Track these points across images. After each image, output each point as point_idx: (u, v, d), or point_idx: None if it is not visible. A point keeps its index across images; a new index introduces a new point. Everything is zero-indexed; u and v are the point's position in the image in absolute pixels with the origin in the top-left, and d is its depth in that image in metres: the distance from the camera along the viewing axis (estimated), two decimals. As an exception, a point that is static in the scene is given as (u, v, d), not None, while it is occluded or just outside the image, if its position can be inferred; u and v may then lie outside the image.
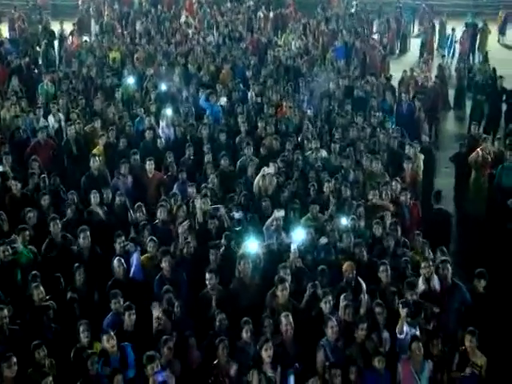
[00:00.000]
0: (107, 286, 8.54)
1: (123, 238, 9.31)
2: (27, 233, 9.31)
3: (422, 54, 24.29)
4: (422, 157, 12.53)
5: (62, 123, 13.86)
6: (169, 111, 13.96)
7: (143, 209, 10.25)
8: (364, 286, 8.19)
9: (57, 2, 32.72)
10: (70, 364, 7.36)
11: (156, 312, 7.76)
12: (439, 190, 11.69)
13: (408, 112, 15.34)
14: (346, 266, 8.68)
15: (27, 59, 18.87)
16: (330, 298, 8.00)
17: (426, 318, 8.11)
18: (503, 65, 20.25)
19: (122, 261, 8.80)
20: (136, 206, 10.33)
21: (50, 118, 14.02)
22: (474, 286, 8.71)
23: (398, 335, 7.60)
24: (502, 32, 27.75)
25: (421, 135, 14.08)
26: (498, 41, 27.57)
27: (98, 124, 13.49)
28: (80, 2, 27.93)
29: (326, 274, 8.68)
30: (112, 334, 7.33)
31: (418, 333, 7.68)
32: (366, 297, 8.11)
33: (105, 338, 7.28)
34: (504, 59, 23.08)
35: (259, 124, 13.72)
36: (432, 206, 11.43)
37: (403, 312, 7.54)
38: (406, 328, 7.60)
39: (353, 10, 28.08)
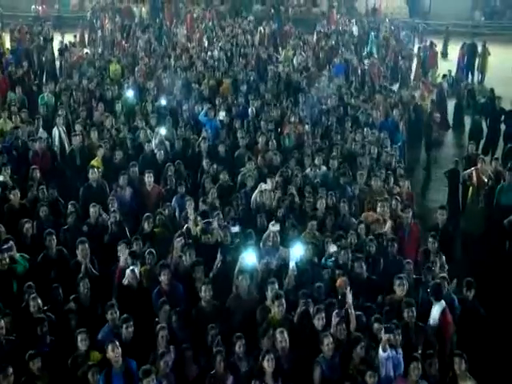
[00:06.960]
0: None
1: (125, 247, 9.24)
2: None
3: (424, 73, 24.41)
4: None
5: (63, 135, 13.89)
6: (162, 130, 13.89)
7: (151, 219, 10.25)
8: (350, 300, 8.02)
9: (59, 13, 33.05)
10: (66, 373, 7.28)
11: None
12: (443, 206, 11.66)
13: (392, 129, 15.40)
14: (339, 281, 8.65)
15: (27, 70, 18.94)
16: (323, 314, 7.93)
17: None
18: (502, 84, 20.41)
19: (136, 271, 8.75)
20: (145, 216, 10.32)
21: (55, 130, 13.98)
22: (463, 297, 8.69)
23: (381, 352, 7.47)
24: None
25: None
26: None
27: (94, 135, 13.52)
28: (88, 14, 28.22)
29: (322, 290, 8.67)
30: (117, 343, 7.16)
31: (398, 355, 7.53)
32: (352, 311, 8.00)
33: (110, 347, 7.12)
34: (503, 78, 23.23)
35: (259, 139, 13.73)
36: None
37: (385, 336, 7.38)
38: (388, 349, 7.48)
39: (354, 29, 28.23)
